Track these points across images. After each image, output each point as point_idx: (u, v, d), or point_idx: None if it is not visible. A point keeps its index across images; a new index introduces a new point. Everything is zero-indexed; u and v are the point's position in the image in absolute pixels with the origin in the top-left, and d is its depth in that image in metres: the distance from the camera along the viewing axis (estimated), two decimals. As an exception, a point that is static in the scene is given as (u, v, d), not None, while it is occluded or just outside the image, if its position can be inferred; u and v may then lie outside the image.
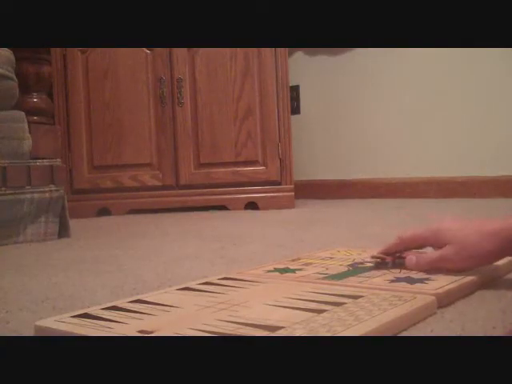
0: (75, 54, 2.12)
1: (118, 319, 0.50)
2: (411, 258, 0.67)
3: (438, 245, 0.65)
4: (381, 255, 0.70)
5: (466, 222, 0.64)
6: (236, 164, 2.10)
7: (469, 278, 0.60)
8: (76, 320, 0.50)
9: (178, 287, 0.63)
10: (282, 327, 0.45)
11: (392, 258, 0.70)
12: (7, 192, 1.25)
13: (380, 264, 0.70)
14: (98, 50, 2.11)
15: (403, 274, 0.65)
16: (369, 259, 0.74)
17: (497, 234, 0.59)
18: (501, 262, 0.65)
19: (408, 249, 0.70)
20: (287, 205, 2.07)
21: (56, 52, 2.08)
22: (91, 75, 2.12)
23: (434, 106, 2.32)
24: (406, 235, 0.69)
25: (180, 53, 2.10)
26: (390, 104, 2.44)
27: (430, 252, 0.67)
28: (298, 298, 0.55)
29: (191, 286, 0.63)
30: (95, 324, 0.48)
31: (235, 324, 0.47)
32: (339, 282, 0.62)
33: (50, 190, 1.33)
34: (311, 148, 2.68)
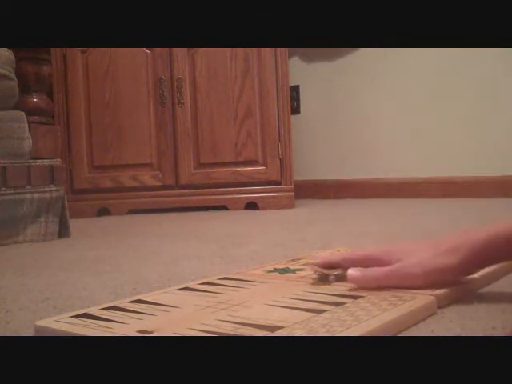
0: (75, 54, 2.12)
1: (117, 319, 0.50)
2: (355, 271, 0.58)
3: (389, 265, 0.58)
4: (321, 270, 0.62)
5: (420, 242, 0.59)
6: (236, 164, 2.10)
7: (469, 279, 0.60)
8: (76, 320, 0.50)
9: (177, 287, 0.63)
10: (282, 327, 0.45)
11: (335, 272, 0.62)
12: (7, 192, 1.25)
13: (321, 278, 0.62)
14: (98, 49, 2.11)
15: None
16: (310, 270, 0.65)
17: (456, 250, 0.54)
18: (501, 265, 0.64)
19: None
20: (287, 205, 2.07)
21: (56, 52, 2.09)
22: (91, 75, 2.12)
23: (433, 105, 2.32)
24: (353, 255, 0.62)
25: (180, 53, 2.10)
26: (390, 104, 2.44)
27: (377, 268, 0.58)
28: (298, 298, 0.55)
29: (191, 286, 0.63)
30: (95, 324, 0.48)
31: (235, 324, 0.47)
32: (339, 282, 0.62)
33: (50, 190, 1.33)
34: (311, 148, 2.68)
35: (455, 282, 0.57)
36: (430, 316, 0.51)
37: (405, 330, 0.48)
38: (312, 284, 0.61)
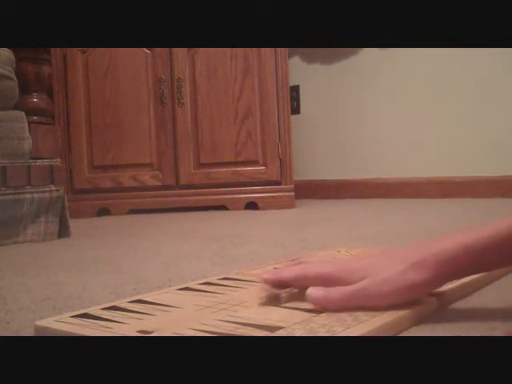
0: (75, 54, 2.12)
1: (117, 319, 0.50)
2: (316, 290, 0.51)
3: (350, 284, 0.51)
4: (272, 289, 0.55)
5: (384, 254, 0.53)
6: (236, 164, 2.10)
7: (469, 278, 0.60)
8: (76, 320, 0.50)
9: (178, 287, 0.63)
10: (282, 327, 0.45)
11: (286, 292, 0.54)
12: (7, 192, 1.25)
13: (271, 298, 0.54)
14: (98, 50, 2.11)
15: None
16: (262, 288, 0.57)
17: (426, 262, 0.48)
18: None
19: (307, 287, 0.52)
20: (287, 205, 2.07)
21: (56, 52, 2.09)
22: (91, 75, 2.12)
23: (433, 105, 2.32)
24: (310, 271, 0.53)
25: (180, 53, 2.10)
26: (390, 104, 2.44)
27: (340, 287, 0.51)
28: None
29: (191, 286, 0.63)
30: (95, 324, 0.48)
31: (235, 324, 0.47)
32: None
33: (50, 190, 1.33)
34: (311, 148, 2.68)
35: (426, 296, 0.52)
36: (429, 316, 0.51)
37: (405, 330, 0.48)
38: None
